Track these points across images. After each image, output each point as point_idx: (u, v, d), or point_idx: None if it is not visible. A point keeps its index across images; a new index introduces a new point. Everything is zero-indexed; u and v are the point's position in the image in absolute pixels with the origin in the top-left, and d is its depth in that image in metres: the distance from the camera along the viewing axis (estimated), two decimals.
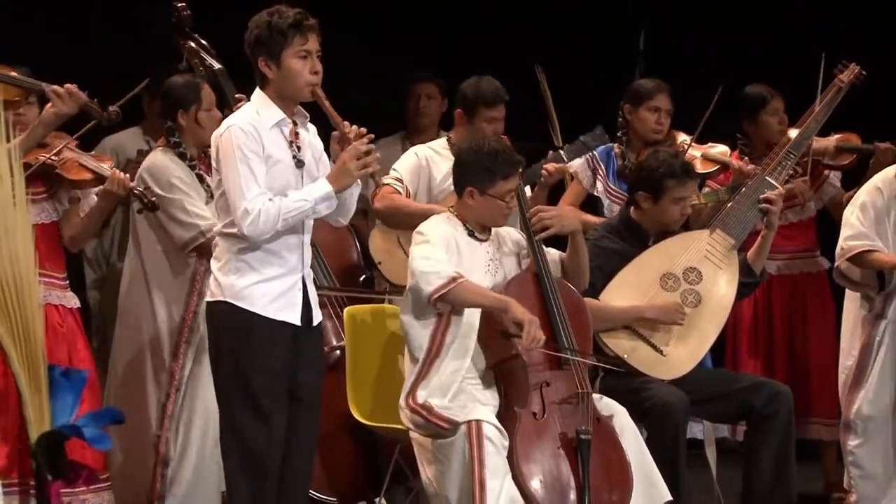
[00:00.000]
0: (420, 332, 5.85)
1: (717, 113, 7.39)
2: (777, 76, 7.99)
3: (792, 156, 6.95)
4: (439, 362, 5.80)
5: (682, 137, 7.47)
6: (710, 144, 7.47)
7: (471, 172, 5.98)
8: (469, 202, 5.98)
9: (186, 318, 6.68)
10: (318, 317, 5.61)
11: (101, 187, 6.38)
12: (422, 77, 8.41)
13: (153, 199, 6.41)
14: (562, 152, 6.91)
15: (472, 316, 5.84)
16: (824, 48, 7.23)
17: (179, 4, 6.70)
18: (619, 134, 7.46)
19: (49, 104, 5.59)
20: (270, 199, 5.37)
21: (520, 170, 6.03)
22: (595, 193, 7.52)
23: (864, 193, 6.93)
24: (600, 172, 7.54)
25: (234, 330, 5.46)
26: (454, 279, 5.75)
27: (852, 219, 6.88)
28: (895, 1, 9.08)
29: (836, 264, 6.97)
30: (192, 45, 6.73)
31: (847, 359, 7.04)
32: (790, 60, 8.41)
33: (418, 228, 5.94)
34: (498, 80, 6.97)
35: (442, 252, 5.83)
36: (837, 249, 6.94)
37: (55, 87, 5.22)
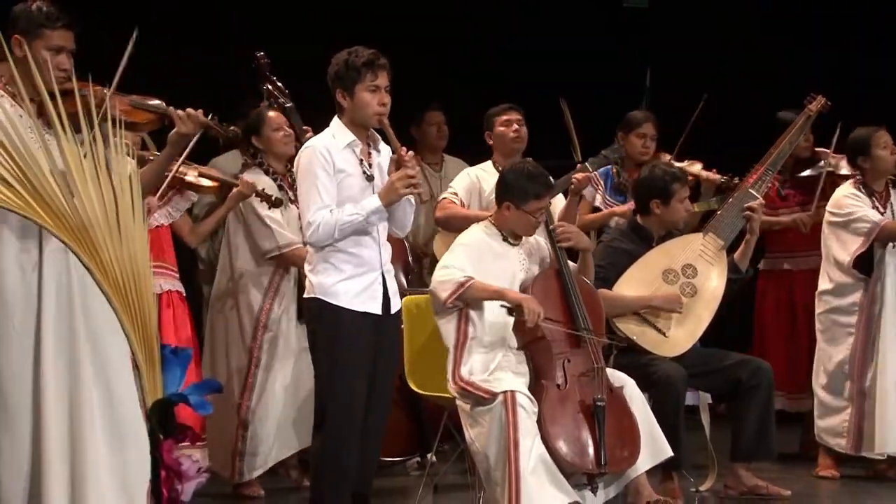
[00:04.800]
0: (446, 327, 5.88)
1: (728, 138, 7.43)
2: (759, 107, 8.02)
3: (770, 172, 6.97)
4: (468, 350, 5.82)
5: (666, 157, 7.49)
6: (688, 161, 7.48)
7: (511, 189, 5.99)
8: (506, 213, 5.99)
9: (265, 307, 6.74)
10: (396, 305, 5.59)
11: (235, 190, 6.63)
12: (435, 108, 8.39)
13: (273, 196, 6.64)
14: (587, 164, 6.94)
15: (491, 313, 5.86)
16: (810, 87, 7.25)
17: (259, 54, 6.77)
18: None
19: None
20: (331, 212, 5.36)
21: (550, 191, 6.07)
22: (595, 205, 7.56)
23: (842, 196, 7.18)
24: (600, 189, 7.59)
25: (325, 321, 5.45)
26: (462, 284, 5.78)
27: (853, 206, 7.11)
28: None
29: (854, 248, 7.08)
30: (270, 87, 6.79)
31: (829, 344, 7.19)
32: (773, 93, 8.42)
33: (458, 239, 5.99)
34: (527, 110, 7.04)
35: (461, 259, 5.87)
36: (866, 226, 7.04)
37: (178, 110, 5.19)
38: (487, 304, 5.85)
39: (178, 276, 6.71)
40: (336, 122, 5.53)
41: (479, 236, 5.98)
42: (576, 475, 5.74)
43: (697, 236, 6.71)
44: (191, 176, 6.54)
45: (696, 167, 7.49)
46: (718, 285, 6.59)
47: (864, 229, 7.05)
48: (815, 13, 9.45)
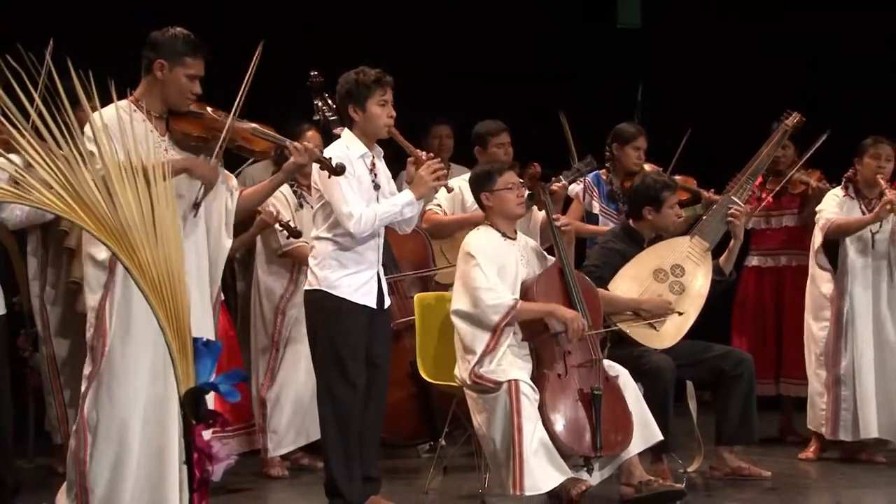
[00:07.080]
0: (479, 336, 5.84)
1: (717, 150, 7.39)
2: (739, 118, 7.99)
3: (750, 181, 6.98)
4: (494, 354, 5.83)
5: (650, 168, 7.43)
6: (681, 177, 7.46)
7: (478, 182, 6.10)
8: (488, 205, 6.04)
9: (284, 297, 6.81)
10: (388, 301, 5.71)
11: (259, 218, 6.69)
12: (440, 121, 8.36)
13: (296, 227, 6.70)
14: (561, 176, 6.93)
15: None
16: (796, 102, 7.26)
17: (314, 73, 6.78)
18: (606, 164, 7.47)
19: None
20: (367, 206, 5.50)
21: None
22: (593, 211, 7.53)
23: (831, 197, 7.19)
24: (594, 195, 7.54)
25: (328, 312, 5.55)
26: (513, 307, 5.82)
27: (824, 205, 7.17)
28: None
29: (818, 241, 7.13)
30: (320, 103, 6.80)
31: (821, 331, 7.17)
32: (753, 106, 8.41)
33: (467, 248, 5.96)
34: (528, 123, 7.05)
35: (494, 275, 5.87)
36: (822, 222, 7.09)
37: (295, 143, 5.29)
38: None
39: None
40: (347, 134, 5.66)
41: (486, 244, 5.97)
42: (574, 457, 5.78)
43: (685, 239, 6.74)
44: None
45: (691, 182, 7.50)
46: (704, 284, 6.60)
47: (820, 224, 7.13)
48: (801, 31, 9.43)
